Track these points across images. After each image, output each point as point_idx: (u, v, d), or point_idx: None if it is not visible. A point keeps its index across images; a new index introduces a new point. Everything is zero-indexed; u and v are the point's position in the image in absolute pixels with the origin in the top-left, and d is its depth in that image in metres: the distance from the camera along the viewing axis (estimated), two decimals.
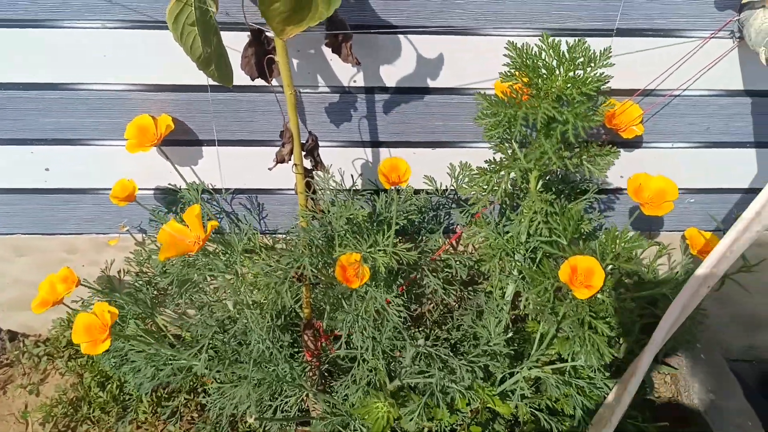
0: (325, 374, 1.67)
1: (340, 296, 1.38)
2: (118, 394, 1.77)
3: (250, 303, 1.25)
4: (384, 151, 1.64)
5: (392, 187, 1.23)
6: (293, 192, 1.70)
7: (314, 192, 1.37)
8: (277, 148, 1.60)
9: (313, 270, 1.18)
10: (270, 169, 1.33)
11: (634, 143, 1.67)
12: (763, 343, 2.08)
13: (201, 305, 1.39)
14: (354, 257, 1.15)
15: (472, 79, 1.52)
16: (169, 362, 1.45)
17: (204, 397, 1.79)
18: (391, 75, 1.51)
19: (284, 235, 1.80)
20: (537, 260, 1.35)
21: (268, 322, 1.26)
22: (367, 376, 1.37)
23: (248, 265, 1.31)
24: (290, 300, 1.19)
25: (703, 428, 1.73)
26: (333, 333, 1.56)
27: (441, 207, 1.72)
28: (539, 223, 1.26)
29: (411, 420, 1.25)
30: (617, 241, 1.21)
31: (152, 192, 1.69)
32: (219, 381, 1.61)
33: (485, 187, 1.35)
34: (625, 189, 1.75)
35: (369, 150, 1.64)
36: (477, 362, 1.26)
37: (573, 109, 1.13)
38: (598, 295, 1.24)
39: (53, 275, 1.54)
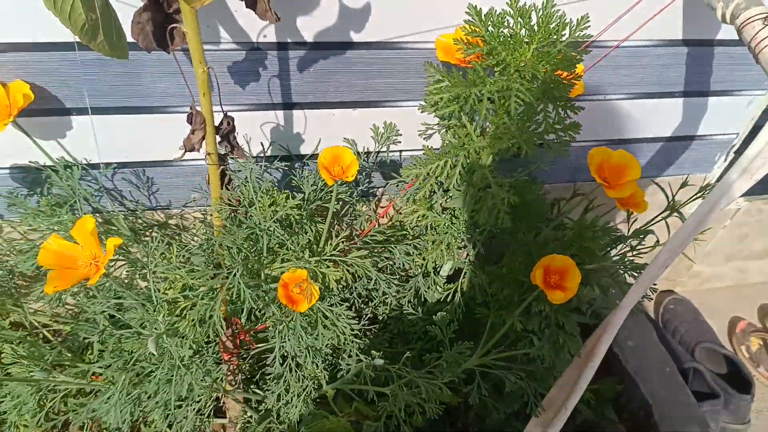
0: (248, 376, 1.48)
1: (267, 297, 1.18)
2: None
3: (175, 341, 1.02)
4: (298, 113, 1.40)
5: (335, 182, 1.02)
6: (192, 163, 1.43)
7: (230, 182, 1.12)
8: (169, 115, 1.33)
9: (248, 293, 0.97)
10: (175, 160, 1.06)
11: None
12: None
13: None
14: (299, 274, 0.95)
15: (398, 32, 1.31)
16: (58, 389, 1.19)
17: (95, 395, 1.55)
18: (308, 27, 1.25)
19: (179, 210, 1.53)
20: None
21: (190, 354, 1.04)
22: (303, 385, 1.20)
23: (164, 288, 1.06)
24: (222, 326, 0.98)
25: (625, 376, 1.75)
26: (255, 329, 1.37)
27: (363, 171, 1.53)
28: (500, 212, 1.11)
29: None
30: (585, 232, 1.09)
31: (8, 171, 1.35)
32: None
33: (436, 171, 1.17)
34: None
35: (281, 113, 1.39)
36: (433, 383, 1.12)
37: (552, 94, 0.97)
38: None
39: None
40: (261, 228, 1.05)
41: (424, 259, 1.36)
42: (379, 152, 1.51)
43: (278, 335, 1.12)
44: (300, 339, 1.15)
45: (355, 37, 1.29)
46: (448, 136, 1.15)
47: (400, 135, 1.44)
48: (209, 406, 1.39)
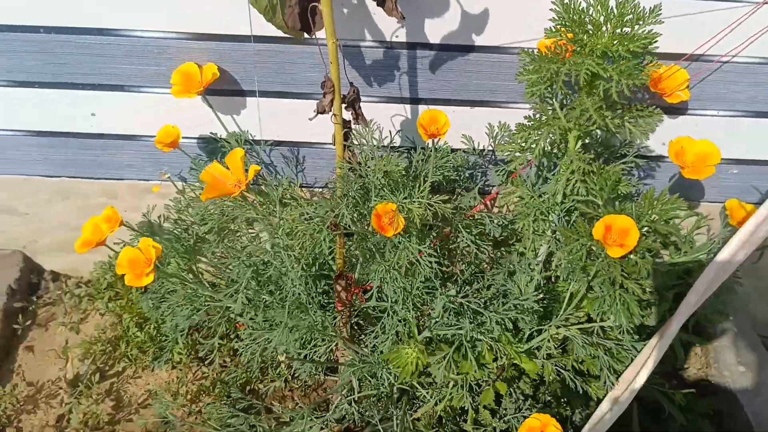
0: (355, 327, 1.70)
1: (373, 248, 1.40)
2: (155, 335, 1.84)
3: (287, 245, 1.28)
4: (423, 108, 1.64)
5: (430, 139, 1.24)
6: (333, 146, 1.72)
7: (351, 145, 1.38)
8: (315, 102, 1.63)
9: (350, 217, 1.21)
10: (310, 119, 1.34)
11: (679, 109, 1.65)
12: None
13: (240, 247, 1.43)
14: (390, 206, 1.17)
15: (516, 38, 1.51)
16: (206, 303, 1.49)
17: (237, 341, 1.84)
18: (434, 31, 1.50)
19: (321, 189, 1.82)
20: (571, 221, 1.35)
21: (302, 268, 1.29)
22: (397, 325, 1.39)
23: (286, 212, 1.34)
24: (326, 247, 1.22)
25: (730, 399, 1.73)
26: (364, 286, 1.59)
27: (477, 167, 1.72)
28: (576, 181, 1.25)
29: (439, 368, 1.27)
30: (655, 203, 1.20)
31: (195, 141, 1.73)
32: (252, 327, 1.65)
33: (523, 144, 1.35)
34: (667, 157, 1.73)
35: (408, 107, 1.64)
36: (506, 315, 1.27)
37: (618, 67, 1.12)
38: (631, 256, 1.24)
39: (96, 216, 1.59)
40: (371, 180, 1.28)
41: (519, 239, 1.51)
42: (494, 151, 1.70)
43: (377, 276, 1.34)
44: (395, 280, 1.36)
45: (475, 41, 1.51)
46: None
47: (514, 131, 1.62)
48: (325, 351, 1.62)
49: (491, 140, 1.64)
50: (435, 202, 1.22)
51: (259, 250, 1.34)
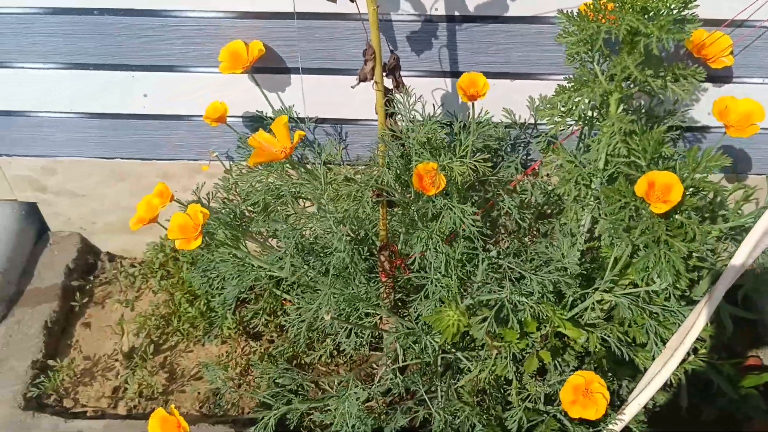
0: (398, 303, 1.72)
1: (415, 216, 1.43)
2: (205, 311, 1.89)
3: (333, 209, 1.31)
4: None
5: (470, 102, 1.26)
6: (374, 123, 1.75)
7: (393, 113, 1.41)
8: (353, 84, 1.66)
9: (393, 178, 1.23)
10: (353, 87, 1.37)
11: (723, 77, 1.62)
12: None
13: (286, 215, 1.47)
14: (431, 165, 1.19)
15: (556, 6, 1.52)
16: (254, 272, 1.54)
17: (283, 318, 1.89)
18: (474, 1, 1.52)
19: (364, 167, 1.85)
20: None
21: (347, 232, 1.32)
22: (440, 292, 1.41)
23: (331, 176, 1.37)
24: (368, 209, 1.25)
25: None
26: (407, 258, 1.61)
27: (519, 141, 1.73)
28: (617, 142, 1.25)
29: (481, 329, 1.29)
30: (699, 159, 1.19)
31: (240, 119, 1.78)
32: (297, 304, 1.70)
33: (563, 109, 1.35)
34: (713, 127, 1.70)
35: (449, 80, 1.66)
36: (548, 277, 1.28)
37: (658, 22, 1.12)
38: (676, 216, 1.23)
39: (150, 195, 1.66)
40: (412, 144, 1.31)
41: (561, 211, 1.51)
42: (536, 124, 1.70)
43: (420, 243, 1.36)
44: (438, 246, 1.38)
45: (512, 10, 1.52)
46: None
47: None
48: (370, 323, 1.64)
49: (532, 113, 1.64)
50: (476, 161, 1.24)
51: (305, 214, 1.37)
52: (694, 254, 1.25)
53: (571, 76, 1.37)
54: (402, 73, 1.61)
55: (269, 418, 1.52)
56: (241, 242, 1.51)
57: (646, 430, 1.53)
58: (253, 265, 1.53)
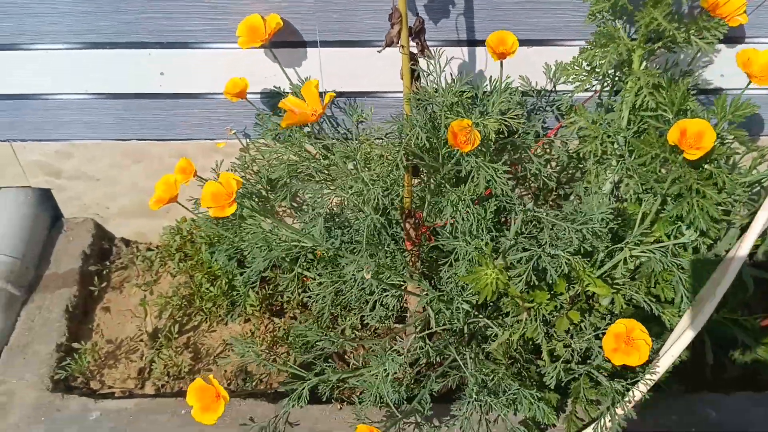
0: (424, 272, 1.73)
1: (442, 181, 1.44)
2: (226, 290, 1.89)
3: (364, 177, 1.32)
4: (480, 50, 1.67)
5: (499, 60, 1.27)
6: (393, 95, 1.76)
7: (418, 77, 1.41)
8: (375, 48, 1.66)
9: (425, 141, 1.24)
10: (379, 51, 1.38)
11: (736, 38, 1.64)
12: None
13: (316, 180, 1.48)
14: (465, 122, 1.21)
15: None
16: (282, 243, 1.54)
17: (305, 294, 1.89)
18: None
19: (381, 140, 1.86)
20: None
21: (378, 194, 1.32)
22: (470, 254, 1.42)
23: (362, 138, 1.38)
24: (402, 170, 1.26)
25: None
26: (432, 226, 1.62)
27: (536, 108, 1.74)
28: (645, 96, 1.27)
29: (519, 282, 1.30)
30: (727, 107, 1.21)
31: (258, 96, 1.78)
32: (319, 280, 1.70)
33: (587, 68, 1.37)
34: (725, 89, 1.73)
35: (465, 49, 1.67)
36: (585, 226, 1.29)
37: None
38: (706, 166, 1.25)
39: (169, 174, 1.65)
40: (441, 109, 1.32)
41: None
42: (551, 91, 1.71)
43: (450, 205, 1.37)
44: (469, 208, 1.39)
45: None
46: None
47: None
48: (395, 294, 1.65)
49: (549, 79, 1.66)
50: (510, 117, 1.25)
51: (339, 171, 1.37)
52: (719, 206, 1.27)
53: (592, 38, 1.39)
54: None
55: (303, 388, 1.52)
56: (270, 213, 1.52)
57: (675, 385, 1.56)
58: (279, 238, 1.54)
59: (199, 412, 1.38)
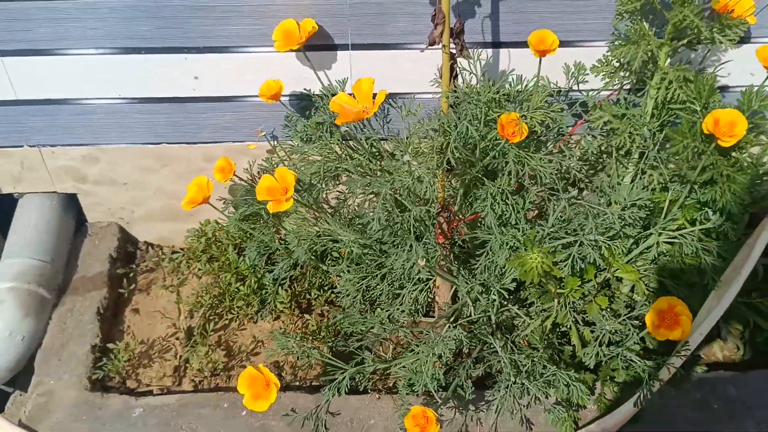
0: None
1: (480, 174, 1.51)
2: (256, 289, 1.93)
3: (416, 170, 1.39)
4: (503, 52, 1.75)
5: (540, 57, 1.35)
6: (420, 96, 1.82)
7: (456, 76, 1.49)
8: (405, 51, 1.74)
9: (473, 132, 1.32)
10: (422, 51, 1.45)
11: (743, 39, 1.75)
12: None
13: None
14: (513, 115, 1.28)
15: None
16: (324, 238, 1.60)
17: (333, 292, 1.95)
18: None
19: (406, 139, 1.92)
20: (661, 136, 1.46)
21: (433, 184, 1.39)
22: (510, 242, 1.49)
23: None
24: (453, 156, 1.33)
25: None
26: (464, 219, 1.69)
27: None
28: (675, 89, 1.36)
29: (565, 266, 1.37)
30: (753, 99, 1.31)
31: (287, 98, 1.83)
32: (347, 277, 1.76)
33: (616, 64, 1.46)
34: (732, 87, 1.83)
35: (490, 50, 1.75)
36: (624, 213, 1.38)
37: None
38: (733, 154, 1.34)
39: (201, 177, 1.69)
40: (478, 105, 1.40)
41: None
42: (569, 90, 1.80)
43: (490, 197, 1.45)
44: (507, 199, 1.47)
45: None
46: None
47: (587, 75, 1.72)
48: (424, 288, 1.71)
49: (569, 79, 1.74)
50: (553, 110, 1.33)
51: (394, 168, 1.44)
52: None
53: (612, 38, 1.48)
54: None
55: (344, 378, 1.57)
56: (315, 206, 1.57)
57: (696, 366, 1.65)
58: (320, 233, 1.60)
59: (250, 401, 1.41)
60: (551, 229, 1.45)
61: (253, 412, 1.64)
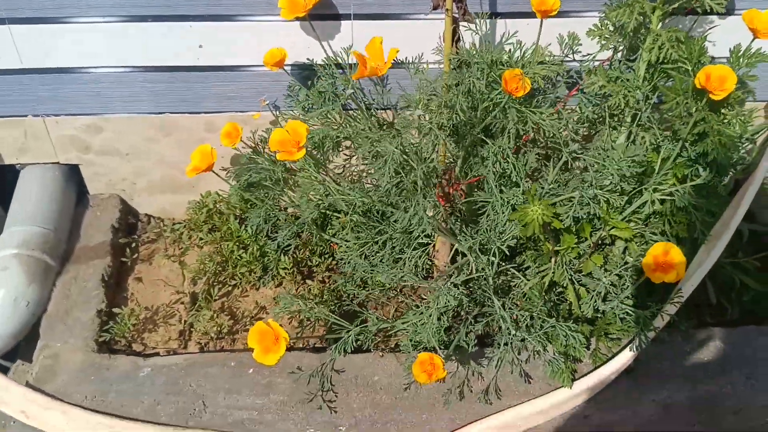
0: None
1: (481, 134, 1.57)
2: (258, 256, 1.97)
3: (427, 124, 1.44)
4: (500, 22, 1.81)
5: (542, 18, 1.42)
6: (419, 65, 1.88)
7: (458, 40, 1.55)
8: (408, 21, 1.79)
9: (480, 86, 1.37)
10: (426, 15, 1.51)
11: (728, 11, 1.83)
12: None
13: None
14: (516, 71, 1.34)
15: None
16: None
17: (333, 260, 2.00)
18: None
19: (399, 112, 1.97)
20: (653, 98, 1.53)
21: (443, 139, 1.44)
22: (511, 200, 1.55)
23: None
24: (461, 111, 1.38)
25: None
26: (464, 182, 1.75)
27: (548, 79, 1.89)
28: (668, 49, 1.43)
29: (568, 216, 1.44)
30: (741, 58, 1.38)
31: (289, 68, 1.88)
32: (347, 243, 1.81)
33: (611, 27, 1.53)
34: (718, 58, 1.91)
35: (487, 20, 1.81)
36: (621, 165, 1.44)
37: None
38: (723, 110, 1.42)
39: (206, 144, 1.73)
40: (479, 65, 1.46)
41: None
42: (563, 60, 1.86)
43: (493, 155, 1.51)
44: (507, 157, 1.53)
45: None
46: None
47: (581, 45, 1.79)
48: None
49: (563, 49, 1.81)
50: (554, 63, 1.40)
51: (402, 122, 1.49)
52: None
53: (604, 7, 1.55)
54: (442, 17, 1.76)
55: (349, 336, 1.62)
56: (322, 168, 1.62)
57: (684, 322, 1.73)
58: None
59: (260, 354, 1.45)
60: (551, 186, 1.51)
61: (261, 369, 1.70)
